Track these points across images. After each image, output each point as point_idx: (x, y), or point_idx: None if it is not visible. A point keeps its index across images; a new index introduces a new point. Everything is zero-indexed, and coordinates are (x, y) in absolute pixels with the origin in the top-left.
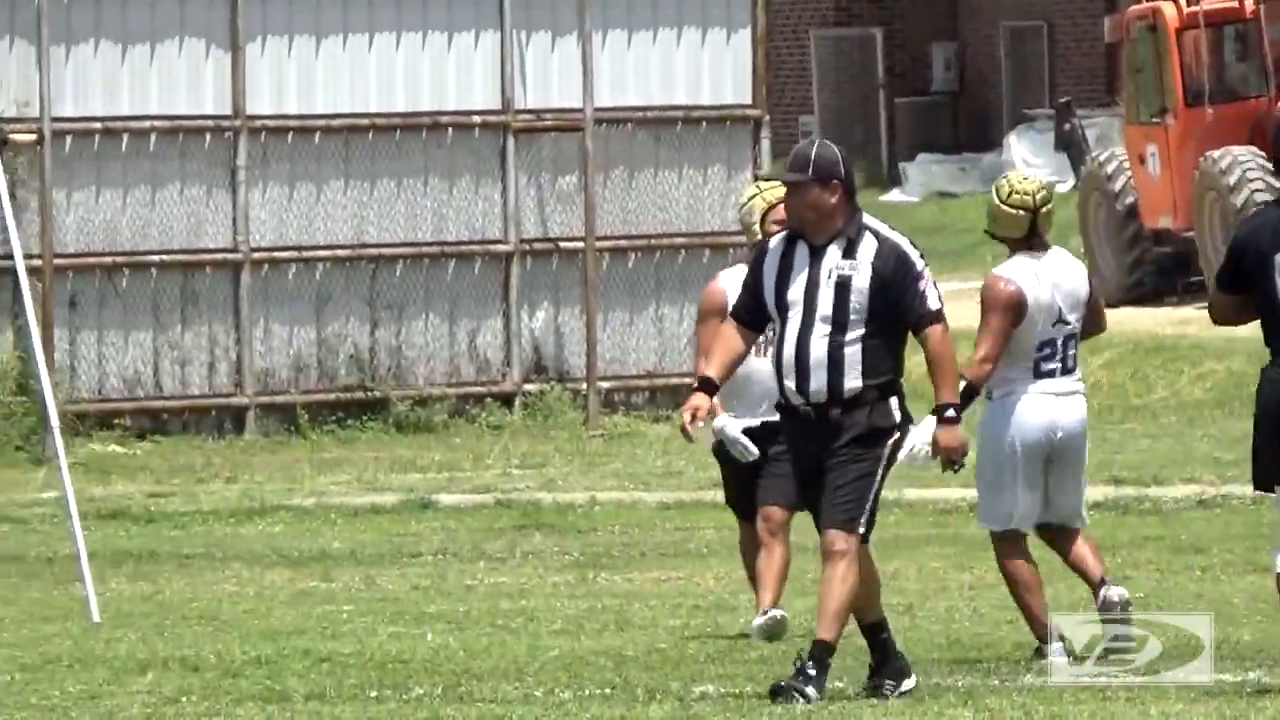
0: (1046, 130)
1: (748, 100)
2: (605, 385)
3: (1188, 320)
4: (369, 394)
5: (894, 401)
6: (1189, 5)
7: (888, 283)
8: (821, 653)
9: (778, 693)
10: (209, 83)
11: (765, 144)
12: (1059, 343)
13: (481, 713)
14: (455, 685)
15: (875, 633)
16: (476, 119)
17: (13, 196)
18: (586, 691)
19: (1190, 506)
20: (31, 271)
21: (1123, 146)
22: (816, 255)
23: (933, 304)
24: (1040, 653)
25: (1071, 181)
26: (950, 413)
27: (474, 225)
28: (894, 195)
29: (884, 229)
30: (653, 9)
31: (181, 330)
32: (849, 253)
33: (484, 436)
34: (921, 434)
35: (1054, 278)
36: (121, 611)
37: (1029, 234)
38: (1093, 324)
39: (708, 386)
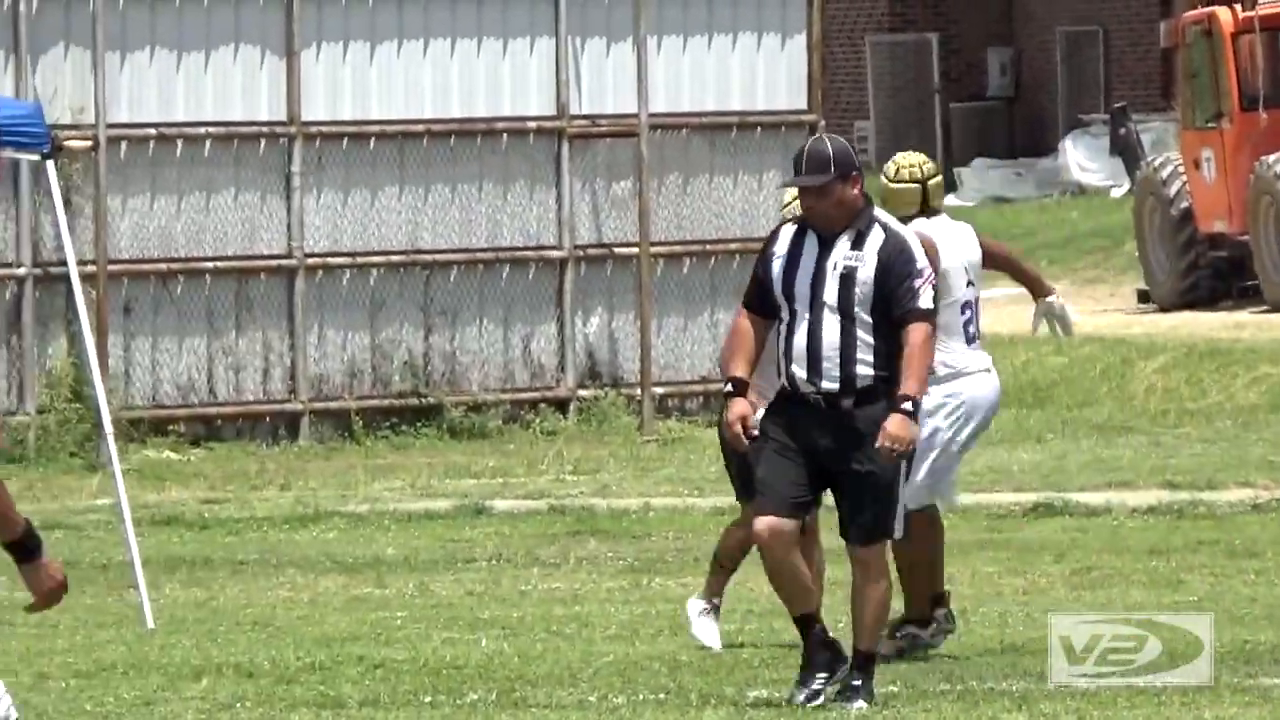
0: (1102, 135)
1: (803, 106)
2: (659, 391)
3: (1242, 324)
4: (423, 400)
5: None
6: (1244, 10)
7: (888, 274)
8: (864, 662)
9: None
10: (264, 89)
11: None
12: (973, 305)
13: (536, 718)
14: (509, 691)
15: (807, 625)
16: (531, 125)
17: (67, 203)
18: (640, 697)
19: (1244, 511)
20: (86, 278)
21: (1178, 151)
22: (825, 246)
23: (924, 303)
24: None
25: (1127, 186)
26: (908, 405)
27: (528, 231)
28: (950, 200)
29: (893, 222)
30: (708, 15)
31: (236, 336)
32: (857, 244)
33: (538, 442)
34: None
35: (953, 243)
36: (175, 618)
37: (923, 206)
38: (1007, 262)
39: (740, 388)
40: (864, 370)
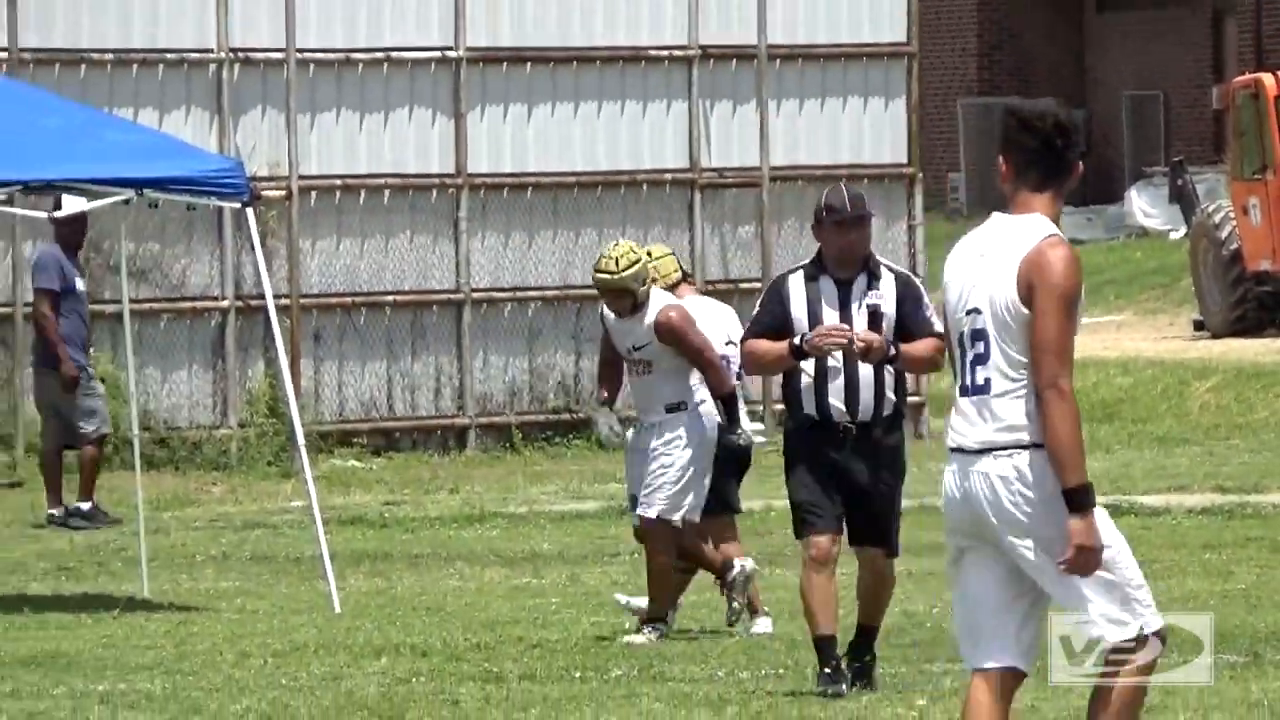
0: (1162, 185)
1: (903, 160)
2: (778, 409)
3: None
4: (574, 415)
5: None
6: None
7: (904, 306)
8: (871, 640)
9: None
10: (435, 145)
11: (919, 199)
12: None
13: (672, 691)
14: (649, 667)
15: (829, 643)
16: (668, 176)
17: (264, 245)
18: (762, 672)
19: None
20: (281, 310)
21: (1228, 199)
22: (843, 287)
23: (937, 326)
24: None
25: (1184, 230)
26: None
27: None
28: None
29: (889, 262)
30: (822, 80)
31: (411, 360)
32: (873, 283)
33: None
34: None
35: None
36: (359, 604)
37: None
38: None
39: (797, 351)
40: (890, 398)
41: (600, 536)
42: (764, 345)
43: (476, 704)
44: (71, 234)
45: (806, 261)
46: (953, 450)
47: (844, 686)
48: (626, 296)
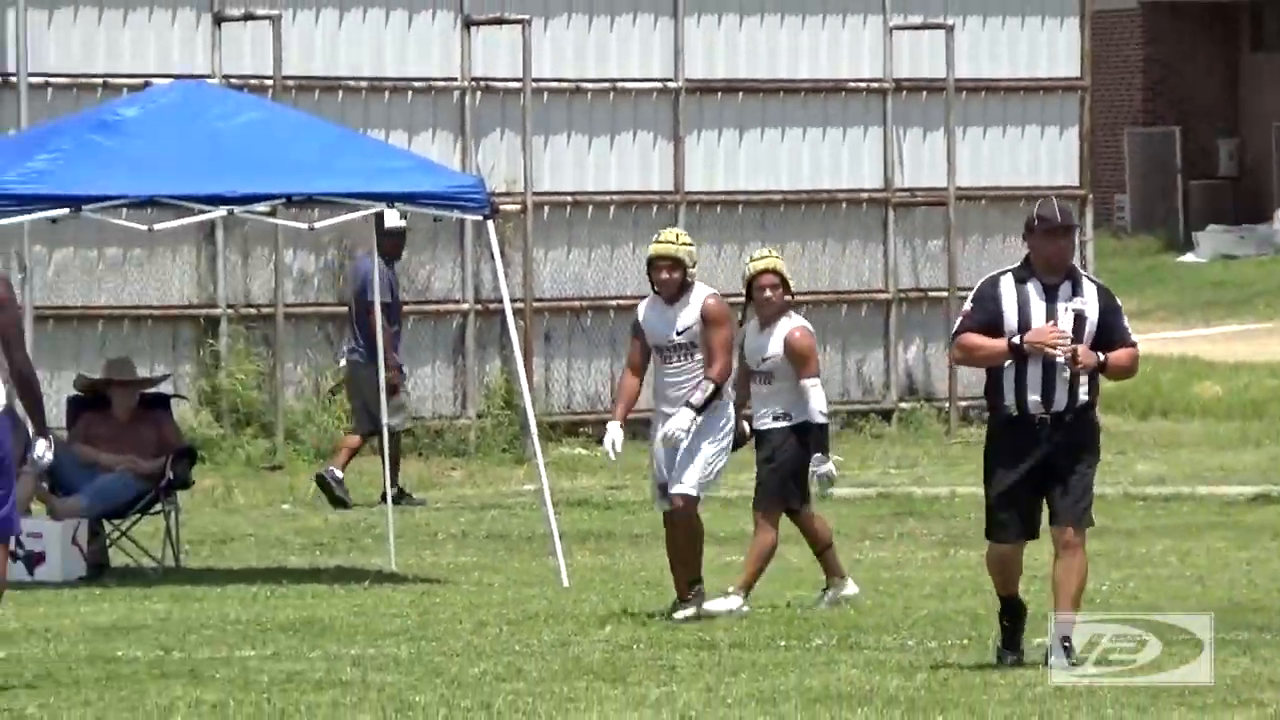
0: None
1: (1075, 182)
2: (963, 404)
3: None
4: None
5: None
6: None
7: (1106, 315)
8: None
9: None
10: (655, 166)
11: (1089, 218)
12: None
13: (868, 658)
14: (847, 637)
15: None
16: (864, 195)
17: (502, 254)
18: (949, 642)
19: None
20: (516, 312)
21: None
22: (1050, 292)
23: (1132, 335)
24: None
25: None
26: (1102, 358)
27: (861, 278)
28: (1188, 257)
29: (1088, 273)
30: (1003, 110)
31: None
32: (1075, 290)
33: (868, 443)
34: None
35: None
36: (585, 578)
37: None
38: None
39: (1015, 350)
40: (1083, 394)
41: None
42: (979, 339)
43: (691, 669)
44: (393, 246)
45: (1014, 265)
46: None
47: (1022, 655)
48: (678, 268)
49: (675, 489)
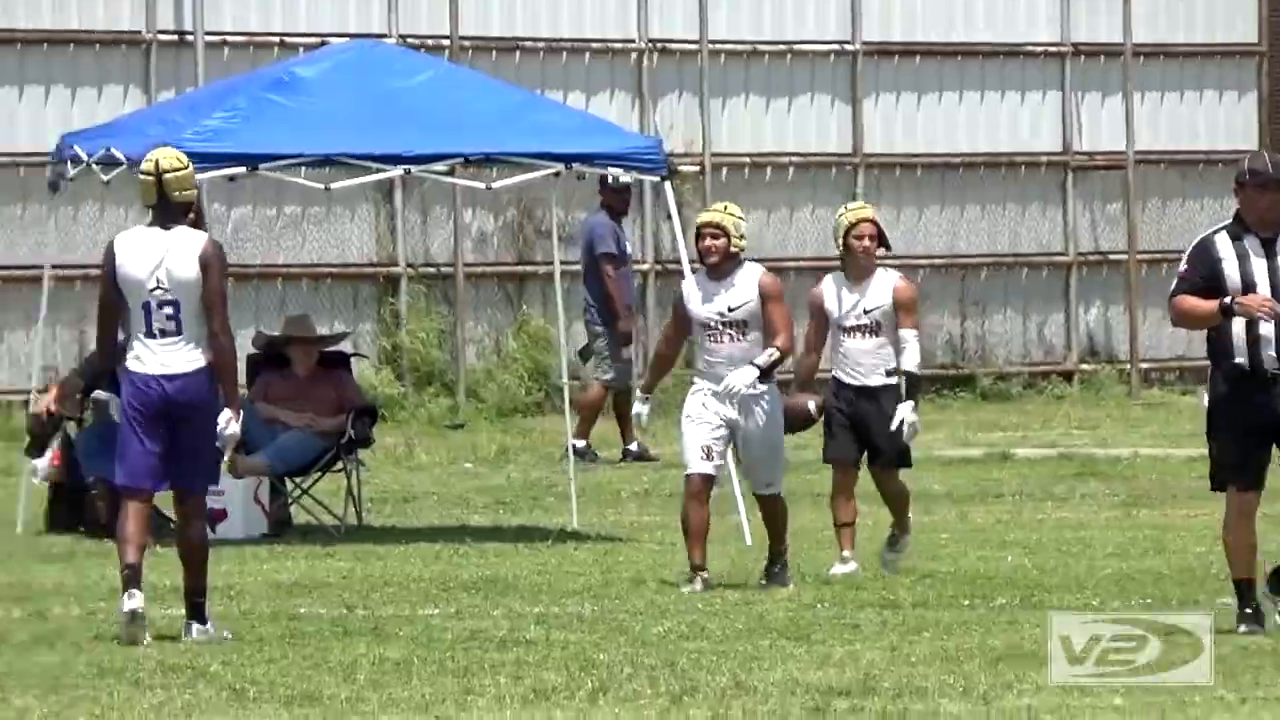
0: None
1: (1254, 147)
2: (1144, 365)
3: None
4: (960, 371)
5: None
6: None
7: None
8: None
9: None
10: (833, 128)
11: None
12: None
13: (1048, 617)
14: (1029, 596)
15: (1249, 586)
16: (1043, 159)
17: (680, 214)
18: (1131, 602)
19: None
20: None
21: None
22: (1268, 245)
23: None
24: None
25: None
26: None
27: (1042, 241)
28: None
29: None
30: (1180, 75)
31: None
32: None
33: (1050, 404)
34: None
35: None
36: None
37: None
38: None
39: (1226, 309)
40: None
41: (985, 479)
42: (1194, 302)
43: (874, 628)
44: (620, 203)
45: (1226, 223)
46: None
47: (1262, 627)
48: (723, 235)
49: (768, 491)
